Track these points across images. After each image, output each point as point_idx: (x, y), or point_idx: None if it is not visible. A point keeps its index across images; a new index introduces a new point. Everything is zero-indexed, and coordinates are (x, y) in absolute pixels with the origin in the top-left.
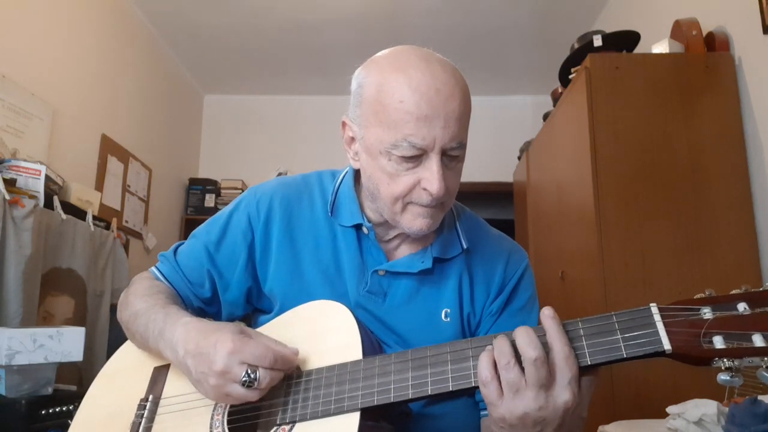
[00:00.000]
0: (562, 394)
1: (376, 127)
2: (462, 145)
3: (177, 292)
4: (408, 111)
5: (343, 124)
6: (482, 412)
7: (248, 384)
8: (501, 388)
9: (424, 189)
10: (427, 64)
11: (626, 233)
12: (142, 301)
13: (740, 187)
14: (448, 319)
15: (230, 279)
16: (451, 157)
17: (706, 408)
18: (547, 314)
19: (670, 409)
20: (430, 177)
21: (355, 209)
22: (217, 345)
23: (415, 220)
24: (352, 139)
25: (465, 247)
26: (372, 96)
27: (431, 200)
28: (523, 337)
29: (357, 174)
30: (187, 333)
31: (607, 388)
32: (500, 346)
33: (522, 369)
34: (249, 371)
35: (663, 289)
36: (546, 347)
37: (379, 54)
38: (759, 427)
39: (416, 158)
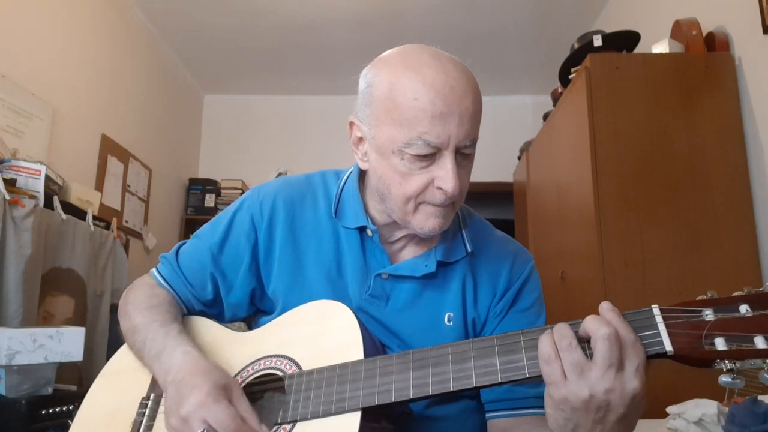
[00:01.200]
0: (631, 380)
1: (388, 126)
2: (474, 143)
3: (178, 296)
4: (422, 109)
5: (351, 124)
6: (488, 414)
7: None
8: (562, 368)
9: (439, 188)
10: (439, 62)
11: (626, 233)
12: (140, 314)
13: (740, 187)
14: (451, 323)
15: (234, 280)
16: (464, 155)
17: (706, 408)
18: (606, 308)
19: (670, 409)
20: (445, 175)
21: (359, 211)
22: (193, 389)
23: (427, 220)
24: (361, 139)
25: (469, 250)
26: (383, 94)
27: (445, 199)
28: (592, 319)
29: (361, 174)
30: (182, 363)
31: None
32: (560, 329)
33: (584, 352)
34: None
35: (663, 289)
36: None
37: (387, 53)
38: (759, 427)
39: (430, 157)
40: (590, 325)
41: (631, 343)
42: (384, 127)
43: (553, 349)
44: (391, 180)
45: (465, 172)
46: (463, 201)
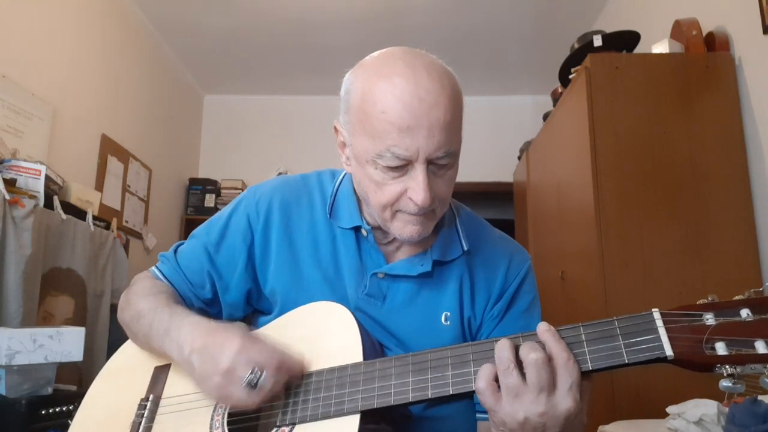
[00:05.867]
0: (564, 400)
1: (361, 136)
2: (450, 153)
3: (178, 293)
4: (390, 122)
5: (335, 128)
6: (478, 415)
7: (252, 384)
8: (496, 395)
9: (410, 198)
10: (411, 71)
11: (626, 233)
12: (144, 300)
13: (740, 187)
14: (448, 323)
15: (230, 280)
16: (440, 165)
17: (706, 408)
18: (543, 329)
19: (670, 409)
20: (416, 187)
21: (354, 211)
22: (225, 344)
23: (405, 227)
24: (344, 143)
25: (465, 248)
26: (357, 104)
27: (418, 209)
28: (526, 343)
29: None
30: (194, 331)
31: (607, 388)
32: (499, 351)
33: (522, 375)
34: (254, 372)
35: (663, 289)
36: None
37: (367, 57)
38: (759, 427)
39: (401, 168)
40: (522, 350)
41: (563, 363)
42: (358, 137)
43: (486, 380)
44: (368, 187)
45: (443, 181)
46: (445, 208)
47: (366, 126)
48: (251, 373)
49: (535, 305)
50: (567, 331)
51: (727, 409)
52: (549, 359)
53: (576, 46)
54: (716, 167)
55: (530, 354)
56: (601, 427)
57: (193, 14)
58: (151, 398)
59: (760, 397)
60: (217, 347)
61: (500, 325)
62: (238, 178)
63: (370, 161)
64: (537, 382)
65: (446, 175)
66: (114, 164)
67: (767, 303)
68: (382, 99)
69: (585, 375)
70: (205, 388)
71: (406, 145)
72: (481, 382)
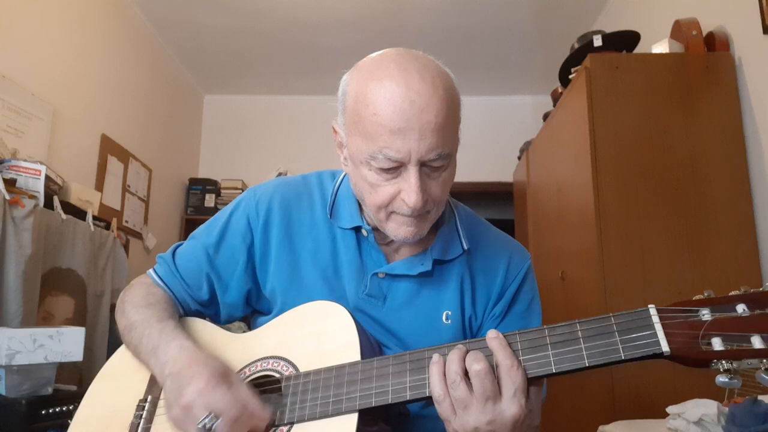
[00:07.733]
0: (510, 407)
1: (356, 137)
2: (443, 156)
3: (174, 296)
4: (381, 124)
5: (334, 129)
6: None
7: (206, 428)
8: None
9: (403, 200)
10: (403, 74)
11: (626, 233)
12: (137, 312)
13: (740, 186)
14: (449, 322)
15: (229, 281)
16: (433, 167)
17: (706, 408)
18: (491, 336)
19: (670, 409)
20: (408, 189)
21: (354, 211)
22: (192, 379)
23: (399, 229)
24: (341, 144)
25: (466, 248)
26: (351, 106)
27: (411, 211)
28: (470, 354)
29: None
30: (179, 355)
31: (607, 388)
32: (449, 363)
33: (470, 385)
34: (209, 418)
35: (663, 289)
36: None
37: (364, 59)
38: (759, 427)
39: (394, 170)
40: (467, 360)
41: (506, 370)
42: (353, 138)
43: (443, 388)
44: (363, 188)
45: (437, 183)
46: (441, 210)
47: (359, 128)
48: (206, 417)
49: (535, 305)
50: (563, 328)
51: (727, 409)
52: (494, 367)
53: (576, 46)
54: (716, 167)
55: (473, 365)
56: (601, 427)
57: (193, 14)
58: (149, 399)
59: (760, 397)
60: (186, 379)
61: (501, 326)
62: (238, 178)
63: (365, 162)
64: (482, 392)
65: (440, 177)
66: (114, 164)
67: (763, 298)
68: (373, 101)
69: (533, 381)
70: (168, 414)
71: (397, 147)
72: (437, 389)
